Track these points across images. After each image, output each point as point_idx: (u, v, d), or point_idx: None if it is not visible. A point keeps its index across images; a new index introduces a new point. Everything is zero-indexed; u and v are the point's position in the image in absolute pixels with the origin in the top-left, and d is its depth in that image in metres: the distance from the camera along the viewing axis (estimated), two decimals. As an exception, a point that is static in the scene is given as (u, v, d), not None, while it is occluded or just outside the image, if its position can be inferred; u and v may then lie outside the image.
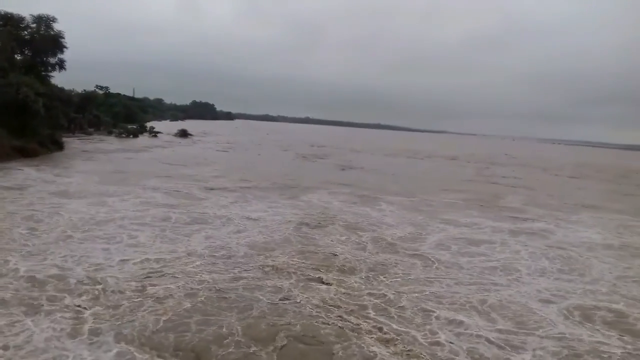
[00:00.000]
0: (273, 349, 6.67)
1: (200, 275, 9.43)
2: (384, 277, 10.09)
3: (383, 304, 8.58)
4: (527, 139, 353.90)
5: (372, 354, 6.74)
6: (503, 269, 11.31)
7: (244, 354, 6.52)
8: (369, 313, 8.14)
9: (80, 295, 8.11)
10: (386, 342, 7.09)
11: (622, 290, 10.28)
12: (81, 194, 16.96)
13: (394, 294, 9.12)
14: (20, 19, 34.16)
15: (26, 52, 35.17)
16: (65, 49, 36.31)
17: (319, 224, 14.88)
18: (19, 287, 8.23)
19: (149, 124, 65.41)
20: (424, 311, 8.38)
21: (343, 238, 13.29)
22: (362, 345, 6.96)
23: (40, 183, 18.78)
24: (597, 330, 8.10)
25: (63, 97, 41.34)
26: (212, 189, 20.33)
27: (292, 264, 10.53)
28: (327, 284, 9.46)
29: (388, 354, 6.77)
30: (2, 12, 33.58)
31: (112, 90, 79.26)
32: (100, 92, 72.64)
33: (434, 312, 8.37)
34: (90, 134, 50.78)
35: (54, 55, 36.05)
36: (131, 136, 53.18)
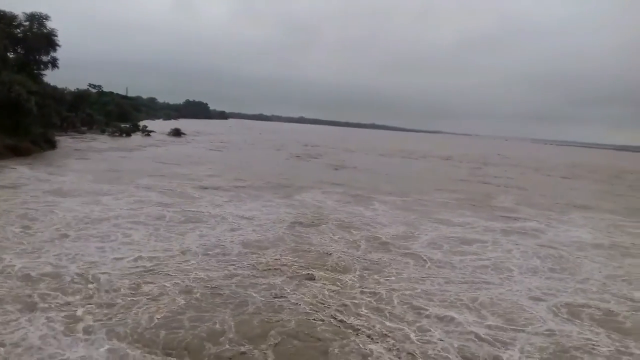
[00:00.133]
0: (267, 346, 6.75)
1: (195, 273, 9.49)
2: (377, 276, 10.19)
3: (375, 302, 8.68)
4: (520, 139, 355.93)
5: (365, 350, 6.83)
6: (494, 267, 11.45)
7: (237, 351, 6.60)
8: (362, 310, 8.23)
9: (74, 293, 8.13)
10: (378, 339, 7.19)
11: (612, 289, 10.43)
12: (75, 193, 16.94)
13: (386, 291, 9.22)
14: (13, 17, 33.95)
15: (19, 50, 34.97)
16: (58, 47, 36.22)
17: (312, 223, 14.97)
18: (14, 286, 8.25)
19: (142, 123, 65.20)
20: (415, 308, 8.49)
21: (336, 237, 13.38)
22: (355, 342, 7.05)
23: (34, 181, 18.73)
24: (586, 327, 8.24)
25: (56, 95, 41.19)
26: (206, 188, 20.36)
27: (285, 262, 10.61)
28: (320, 281, 9.55)
29: (381, 350, 6.86)
30: (-5, 10, 33.42)
31: (105, 89, 78.95)
32: (93, 90, 72.22)
33: (425, 309, 8.48)
34: (83, 132, 50.54)
35: (47, 53, 35.91)
36: (124, 135, 52.95)
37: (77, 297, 7.99)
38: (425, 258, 11.83)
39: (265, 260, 10.68)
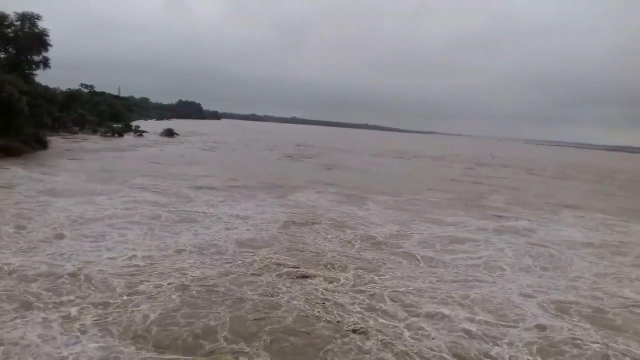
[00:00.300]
0: (262, 343, 6.83)
1: (190, 272, 9.55)
2: (371, 274, 10.30)
3: (369, 300, 8.78)
4: (514, 139, 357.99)
5: (358, 347, 6.94)
6: (486, 266, 11.60)
7: (233, 348, 6.67)
8: (356, 308, 8.34)
9: (69, 292, 8.18)
10: (372, 336, 7.29)
11: (602, 287, 10.62)
12: (69, 193, 16.92)
13: (379, 289, 9.33)
14: (4, 17, 33.68)
15: (10, 50, 34.68)
16: (49, 47, 35.98)
17: (306, 222, 15.06)
18: (9, 285, 8.27)
19: (134, 123, 64.96)
20: (408, 306, 8.61)
21: (330, 236, 13.48)
22: (349, 339, 7.15)
23: (27, 181, 18.67)
24: (576, 323, 8.40)
25: (47, 95, 40.99)
26: (200, 187, 20.38)
27: (280, 261, 10.69)
28: (314, 280, 9.65)
29: (374, 347, 6.97)
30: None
31: (98, 89, 78.76)
32: (85, 90, 71.94)
33: (419, 307, 8.60)
34: (74, 132, 50.24)
35: (38, 53, 35.60)
36: (116, 135, 52.73)
37: (72, 296, 8.03)
38: (418, 257, 11.96)
39: (259, 259, 10.76)
